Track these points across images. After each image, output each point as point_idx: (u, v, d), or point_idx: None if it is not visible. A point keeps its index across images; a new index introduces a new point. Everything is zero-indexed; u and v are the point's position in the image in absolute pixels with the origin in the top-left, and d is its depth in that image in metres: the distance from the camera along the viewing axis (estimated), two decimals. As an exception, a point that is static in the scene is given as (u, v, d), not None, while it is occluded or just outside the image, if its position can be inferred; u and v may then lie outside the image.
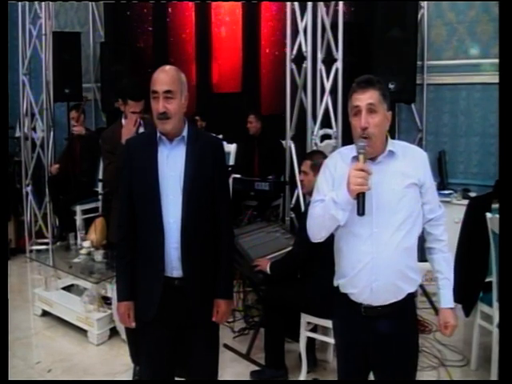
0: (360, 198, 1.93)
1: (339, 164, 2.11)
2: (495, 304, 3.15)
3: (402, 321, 2.11)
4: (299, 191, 4.35)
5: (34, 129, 6.45)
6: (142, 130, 3.37)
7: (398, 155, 2.08)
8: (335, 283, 2.19)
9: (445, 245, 2.20)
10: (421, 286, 4.06)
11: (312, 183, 3.39)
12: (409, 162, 2.09)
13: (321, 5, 4.25)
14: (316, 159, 3.43)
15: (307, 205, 3.71)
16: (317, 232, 2.11)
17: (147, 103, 2.54)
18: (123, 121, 3.45)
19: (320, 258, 3.15)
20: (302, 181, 3.63)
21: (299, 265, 3.43)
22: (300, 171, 3.64)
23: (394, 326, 2.09)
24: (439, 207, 2.18)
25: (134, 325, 2.38)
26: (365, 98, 2.01)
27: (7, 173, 5.95)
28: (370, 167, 1.98)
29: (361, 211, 1.94)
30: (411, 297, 2.14)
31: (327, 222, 2.03)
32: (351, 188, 1.91)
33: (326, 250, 2.80)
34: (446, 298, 2.18)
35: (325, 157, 3.46)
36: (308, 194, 3.64)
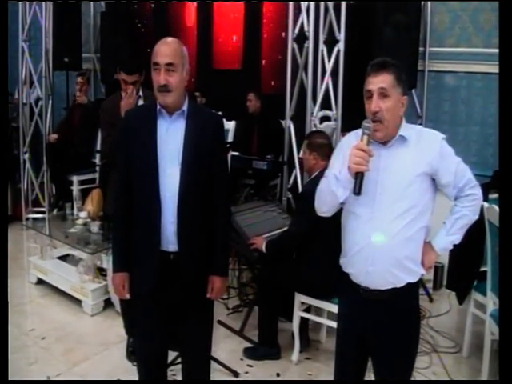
0: (358, 178, 1.95)
1: (353, 143, 2.05)
2: (489, 293, 3.16)
3: (400, 308, 2.10)
4: (297, 172, 4.35)
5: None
6: (141, 102, 3.37)
7: (410, 142, 2.04)
8: (340, 261, 2.21)
9: (470, 205, 2.10)
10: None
11: (308, 162, 3.41)
12: (421, 149, 2.04)
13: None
14: (313, 139, 3.44)
15: (305, 186, 3.73)
16: (320, 206, 2.16)
17: (148, 76, 2.53)
18: (123, 92, 3.44)
19: (318, 239, 3.18)
20: (300, 158, 3.64)
21: (295, 245, 3.45)
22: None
23: (391, 313, 2.09)
24: (472, 187, 2.08)
25: (128, 296, 2.38)
26: (377, 82, 1.99)
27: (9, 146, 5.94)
28: (380, 151, 1.99)
29: (357, 190, 1.96)
30: (412, 286, 2.11)
31: (328, 197, 2.07)
32: (349, 166, 1.94)
33: (324, 232, 2.83)
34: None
35: (325, 137, 3.48)
36: (306, 172, 3.66)
